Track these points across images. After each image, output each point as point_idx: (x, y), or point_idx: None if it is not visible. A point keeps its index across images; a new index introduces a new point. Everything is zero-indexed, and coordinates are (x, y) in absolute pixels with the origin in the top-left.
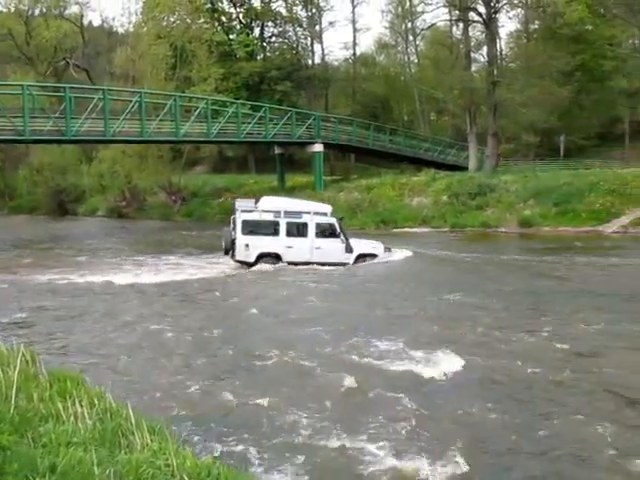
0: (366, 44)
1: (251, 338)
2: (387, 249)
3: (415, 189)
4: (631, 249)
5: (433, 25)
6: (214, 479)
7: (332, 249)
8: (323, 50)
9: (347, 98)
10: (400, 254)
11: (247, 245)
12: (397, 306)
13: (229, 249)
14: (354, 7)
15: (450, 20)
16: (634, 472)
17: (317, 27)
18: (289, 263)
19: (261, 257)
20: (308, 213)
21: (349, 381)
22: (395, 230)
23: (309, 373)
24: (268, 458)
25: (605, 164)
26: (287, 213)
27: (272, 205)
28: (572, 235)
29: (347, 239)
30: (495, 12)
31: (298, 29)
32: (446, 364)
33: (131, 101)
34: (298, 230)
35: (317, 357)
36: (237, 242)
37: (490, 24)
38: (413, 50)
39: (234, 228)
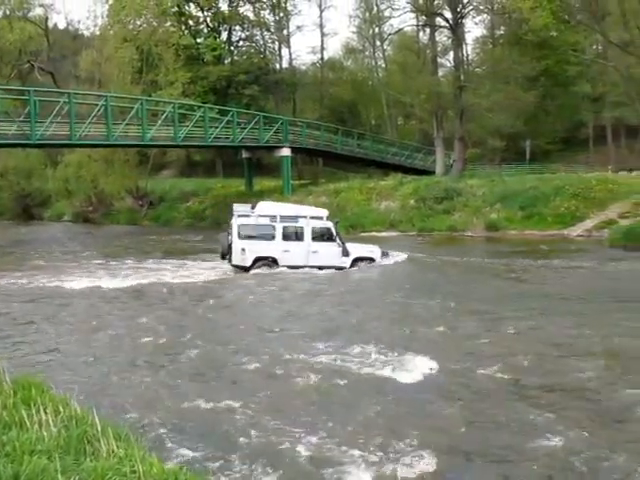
0: (334, 49)
1: (217, 342)
2: (385, 253)
3: (383, 193)
4: (593, 252)
5: (400, 30)
6: None
7: (328, 253)
8: (291, 54)
9: (315, 102)
10: (394, 258)
11: (243, 249)
12: (369, 309)
13: (226, 253)
14: (321, 12)
15: (417, 25)
16: (583, 473)
17: (285, 31)
18: (288, 267)
19: (257, 261)
20: (304, 217)
21: (315, 384)
22: (363, 234)
23: (275, 376)
24: (234, 464)
25: (570, 168)
26: (283, 217)
27: (268, 209)
28: (538, 238)
29: (343, 243)
30: (461, 18)
31: (266, 33)
32: (411, 366)
33: (97, 105)
34: (294, 234)
35: (283, 360)
36: (234, 246)
37: (456, 29)
38: (380, 55)
39: (231, 232)
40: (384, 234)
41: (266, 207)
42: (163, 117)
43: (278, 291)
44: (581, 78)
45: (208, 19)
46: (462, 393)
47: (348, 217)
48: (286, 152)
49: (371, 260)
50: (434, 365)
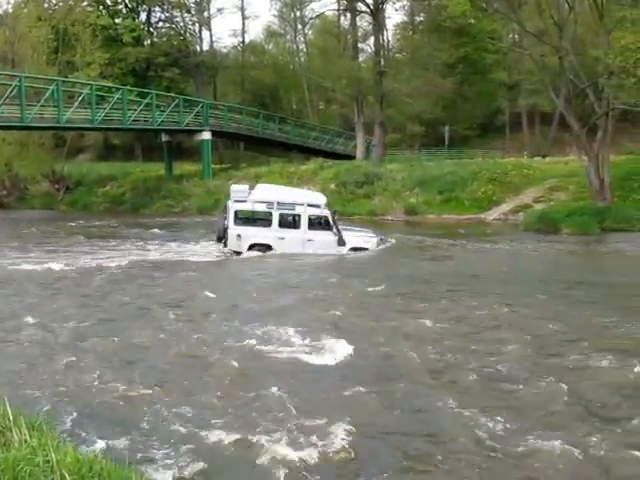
0: (255, 32)
1: (136, 328)
2: (382, 240)
3: (303, 178)
4: (508, 235)
5: (321, 14)
6: (96, 474)
7: (324, 241)
8: (212, 37)
9: (236, 86)
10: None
11: (239, 235)
12: (305, 293)
13: (221, 237)
14: None
15: (338, 10)
16: (499, 454)
17: (205, 13)
18: None
19: (252, 247)
20: (301, 205)
21: (237, 370)
22: None
23: (197, 363)
24: (153, 451)
25: (487, 154)
26: (280, 204)
27: (265, 195)
28: (455, 222)
29: (340, 232)
30: (382, 3)
31: (186, 15)
32: (334, 350)
33: (10, 85)
34: (290, 221)
35: (206, 346)
36: (229, 232)
37: (377, 15)
38: (302, 39)
39: (227, 216)
40: None
41: (264, 190)
42: (80, 99)
43: (224, 274)
44: (498, 66)
45: None
46: (380, 375)
47: None
48: (207, 136)
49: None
50: (354, 348)
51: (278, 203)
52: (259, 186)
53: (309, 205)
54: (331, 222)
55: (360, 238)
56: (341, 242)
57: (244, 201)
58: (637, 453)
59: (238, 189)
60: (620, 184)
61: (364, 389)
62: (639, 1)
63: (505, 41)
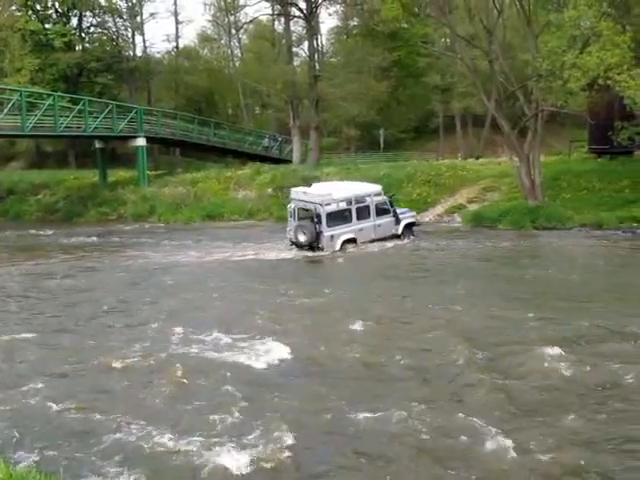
0: (189, 37)
1: (73, 335)
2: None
3: (240, 182)
4: (441, 235)
5: (255, 19)
6: None
7: (387, 224)
8: (145, 42)
9: (170, 91)
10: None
11: (332, 236)
12: (250, 298)
13: (314, 243)
14: None
15: (272, 14)
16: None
17: (138, 18)
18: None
19: (343, 244)
20: (369, 196)
21: (177, 376)
22: (221, 223)
23: (135, 370)
24: (88, 464)
25: (422, 156)
26: (356, 199)
27: (345, 194)
28: None
29: (396, 212)
30: (315, 8)
31: (118, 20)
32: (275, 353)
33: None
34: (364, 213)
35: (145, 353)
36: (324, 235)
37: (311, 19)
38: (236, 44)
39: (319, 220)
40: (244, 222)
41: (341, 191)
42: (9, 106)
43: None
44: (431, 69)
45: (57, 4)
46: (318, 375)
47: (205, 207)
48: (141, 142)
49: (414, 224)
50: (291, 350)
51: (355, 199)
52: (316, 185)
53: (374, 195)
54: (389, 206)
55: (407, 214)
56: (397, 221)
57: (330, 204)
58: (568, 451)
59: (322, 192)
60: (550, 184)
61: (302, 391)
62: (563, 6)
63: (437, 45)
